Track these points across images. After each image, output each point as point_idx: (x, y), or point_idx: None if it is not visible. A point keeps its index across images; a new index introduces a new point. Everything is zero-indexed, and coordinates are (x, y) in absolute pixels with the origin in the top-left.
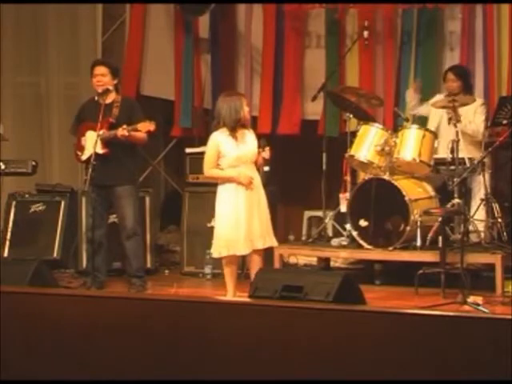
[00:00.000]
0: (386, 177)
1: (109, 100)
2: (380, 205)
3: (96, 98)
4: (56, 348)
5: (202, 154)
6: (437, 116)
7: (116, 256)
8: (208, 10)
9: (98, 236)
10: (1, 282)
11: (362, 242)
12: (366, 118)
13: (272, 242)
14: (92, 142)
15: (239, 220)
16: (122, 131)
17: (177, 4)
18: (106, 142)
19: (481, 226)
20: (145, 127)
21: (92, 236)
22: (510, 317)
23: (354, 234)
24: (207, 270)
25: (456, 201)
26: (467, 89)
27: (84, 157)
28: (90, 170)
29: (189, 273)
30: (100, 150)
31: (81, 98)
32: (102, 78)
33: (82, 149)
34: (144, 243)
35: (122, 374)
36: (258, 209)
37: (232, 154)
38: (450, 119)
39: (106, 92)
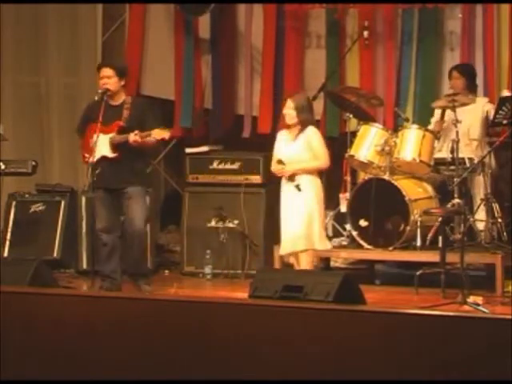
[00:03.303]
0: (386, 177)
1: (118, 101)
2: (380, 205)
3: (105, 99)
4: (56, 348)
5: (202, 153)
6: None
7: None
8: (208, 10)
9: (113, 238)
10: (1, 282)
11: (362, 242)
12: (366, 117)
13: (306, 245)
14: (102, 145)
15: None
16: (134, 137)
17: (177, 4)
18: (116, 146)
19: (481, 226)
20: (159, 134)
21: (107, 239)
22: (509, 317)
23: (354, 234)
24: (207, 270)
25: (456, 201)
26: (471, 88)
27: (93, 159)
28: (97, 173)
29: (189, 273)
30: (110, 154)
31: (81, 98)
32: (108, 80)
33: (90, 151)
34: None
35: (122, 373)
36: (291, 211)
37: None
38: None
39: (105, 93)
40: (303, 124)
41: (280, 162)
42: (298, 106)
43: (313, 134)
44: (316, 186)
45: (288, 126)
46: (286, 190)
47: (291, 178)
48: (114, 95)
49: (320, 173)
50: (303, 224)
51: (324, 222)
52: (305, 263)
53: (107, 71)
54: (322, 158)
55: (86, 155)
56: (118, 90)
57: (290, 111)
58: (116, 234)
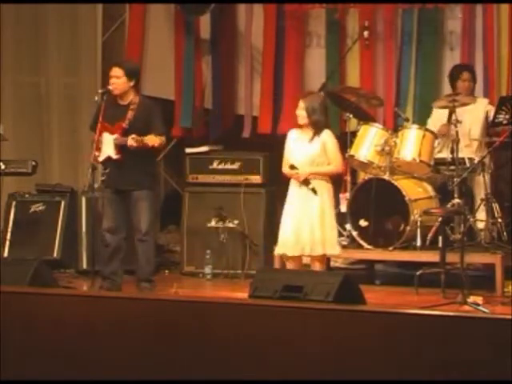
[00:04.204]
0: (386, 177)
1: (126, 101)
2: (380, 205)
3: (105, 99)
4: (56, 348)
5: (202, 153)
6: (443, 116)
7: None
8: (208, 10)
9: (117, 240)
10: (1, 282)
11: (362, 241)
12: (366, 118)
13: (322, 249)
14: (107, 145)
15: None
16: (130, 141)
17: (177, 4)
18: (119, 148)
19: (481, 226)
20: (151, 141)
21: (111, 239)
22: (509, 317)
23: (354, 234)
24: (207, 270)
25: (456, 201)
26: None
27: (101, 158)
28: (107, 172)
29: (189, 273)
30: (114, 155)
31: (81, 98)
32: (116, 80)
33: (99, 149)
34: None
35: (122, 373)
36: (304, 215)
37: None
38: None
39: (105, 93)
40: (315, 126)
41: (293, 166)
42: (309, 107)
43: (328, 138)
44: (329, 190)
45: (300, 126)
46: (298, 193)
47: (306, 181)
48: (123, 95)
49: (331, 177)
50: (320, 228)
51: (335, 226)
52: (318, 268)
53: (117, 71)
54: (335, 163)
55: (96, 153)
56: (126, 90)
57: (301, 112)
58: (121, 235)
